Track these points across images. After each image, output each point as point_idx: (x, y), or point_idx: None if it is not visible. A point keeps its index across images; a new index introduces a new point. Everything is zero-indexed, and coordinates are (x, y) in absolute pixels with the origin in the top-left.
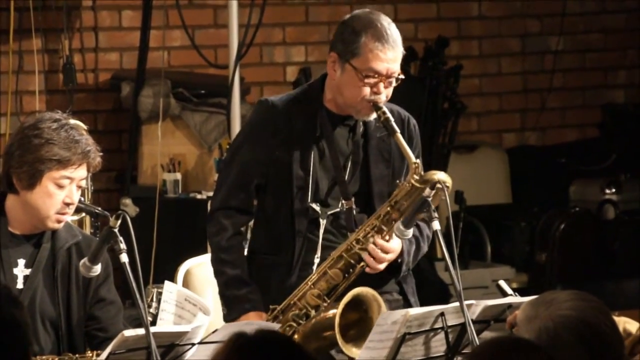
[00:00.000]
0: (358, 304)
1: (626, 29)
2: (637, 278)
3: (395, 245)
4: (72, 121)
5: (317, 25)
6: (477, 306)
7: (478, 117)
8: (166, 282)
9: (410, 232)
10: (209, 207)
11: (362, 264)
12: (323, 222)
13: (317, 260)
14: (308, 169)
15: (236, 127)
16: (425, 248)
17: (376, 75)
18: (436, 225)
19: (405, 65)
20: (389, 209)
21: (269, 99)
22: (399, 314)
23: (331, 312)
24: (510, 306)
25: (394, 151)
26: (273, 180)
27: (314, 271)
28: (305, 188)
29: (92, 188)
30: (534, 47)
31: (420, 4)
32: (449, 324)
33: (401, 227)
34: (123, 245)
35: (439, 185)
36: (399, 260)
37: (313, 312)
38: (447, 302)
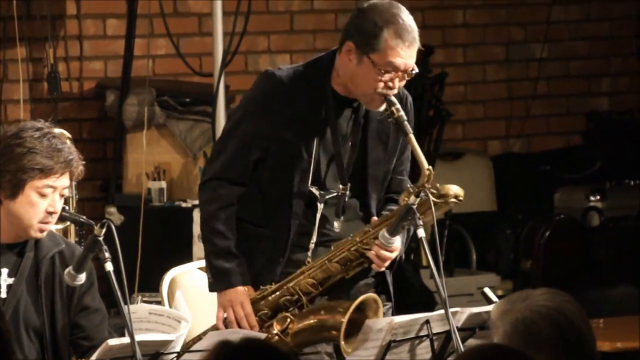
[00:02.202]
0: (360, 307)
1: (610, 37)
2: (622, 285)
3: (398, 243)
4: (55, 130)
5: (301, 34)
6: (462, 314)
7: (463, 125)
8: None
9: (394, 240)
10: (203, 175)
11: (361, 260)
12: (320, 207)
13: (312, 246)
14: (311, 152)
15: None
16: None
17: (393, 71)
18: (421, 232)
19: None
20: None
21: (276, 72)
22: (385, 321)
23: (334, 317)
24: None
25: (392, 132)
26: (274, 157)
27: (308, 256)
28: (307, 170)
29: (77, 197)
30: (519, 54)
31: None
32: (434, 331)
33: (386, 234)
34: (108, 254)
35: (453, 200)
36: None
37: (304, 299)
38: (432, 310)
